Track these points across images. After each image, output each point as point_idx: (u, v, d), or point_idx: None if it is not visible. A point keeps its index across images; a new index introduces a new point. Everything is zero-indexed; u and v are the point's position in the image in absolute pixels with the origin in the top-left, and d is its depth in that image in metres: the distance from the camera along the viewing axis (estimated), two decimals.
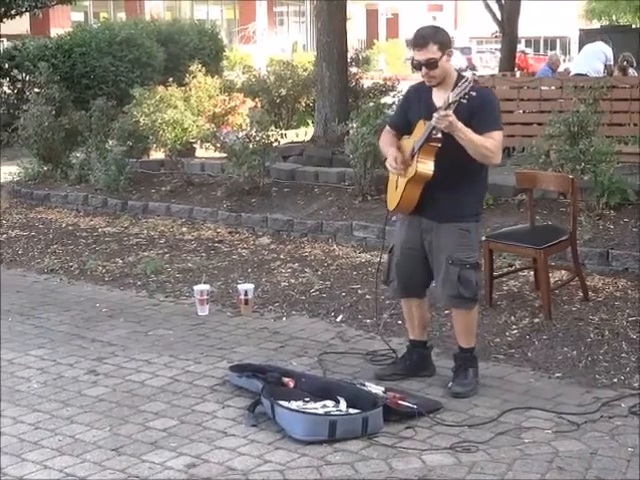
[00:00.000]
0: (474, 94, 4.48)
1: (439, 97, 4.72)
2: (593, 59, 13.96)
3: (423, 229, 4.90)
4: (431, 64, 4.68)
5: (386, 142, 5.05)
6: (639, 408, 4.61)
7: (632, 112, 10.59)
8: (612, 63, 14.13)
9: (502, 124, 4.83)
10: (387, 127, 5.18)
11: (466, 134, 4.56)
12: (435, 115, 4.57)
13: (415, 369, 5.14)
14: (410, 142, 4.83)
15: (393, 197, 4.98)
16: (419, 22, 46.61)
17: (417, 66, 4.75)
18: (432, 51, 4.66)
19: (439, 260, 4.85)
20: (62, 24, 20.29)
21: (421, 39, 4.70)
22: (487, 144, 4.62)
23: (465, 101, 4.47)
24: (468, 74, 4.89)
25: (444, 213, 4.79)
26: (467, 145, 4.59)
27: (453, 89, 4.58)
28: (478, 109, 4.61)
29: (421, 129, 4.71)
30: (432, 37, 4.68)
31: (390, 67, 35.98)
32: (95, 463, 4.15)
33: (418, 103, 4.89)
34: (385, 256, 5.28)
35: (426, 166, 4.69)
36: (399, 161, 4.81)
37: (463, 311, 4.93)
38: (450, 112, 4.50)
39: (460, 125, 4.53)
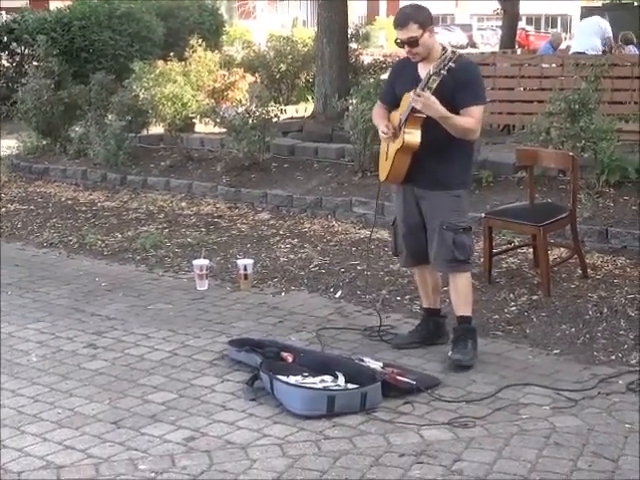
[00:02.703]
0: (453, 65, 4.59)
1: (424, 70, 4.83)
2: (590, 36, 13.84)
3: (417, 197, 5.04)
4: (412, 42, 4.83)
5: (377, 114, 5.22)
6: (637, 385, 4.62)
7: (633, 90, 10.54)
8: (610, 36, 14.01)
9: (485, 96, 5.00)
10: (378, 102, 5.34)
11: (441, 113, 4.69)
12: (411, 94, 4.71)
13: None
14: (397, 114, 4.97)
15: (384, 168, 5.12)
16: None
17: (400, 44, 4.91)
18: (413, 30, 4.80)
19: (433, 226, 4.96)
20: None
21: (401, 18, 4.86)
22: (464, 124, 4.77)
23: (445, 73, 4.59)
24: (449, 49, 4.95)
25: (434, 181, 4.92)
26: (444, 124, 4.73)
27: (437, 60, 4.69)
28: (460, 84, 4.73)
29: (407, 101, 4.83)
30: (412, 16, 4.83)
31: (390, 43, 35.82)
32: (94, 436, 4.16)
33: (405, 77, 5.02)
34: (374, 232, 5.36)
35: (412, 136, 4.83)
36: (390, 128, 4.96)
37: (459, 275, 4.99)
38: (425, 93, 4.64)
39: (435, 106, 4.66)
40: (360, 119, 8.63)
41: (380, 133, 5.05)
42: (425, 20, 4.83)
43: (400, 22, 4.84)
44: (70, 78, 12.06)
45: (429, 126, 4.76)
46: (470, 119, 4.78)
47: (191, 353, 5.19)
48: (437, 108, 4.66)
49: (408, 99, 4.79)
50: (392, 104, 5.09)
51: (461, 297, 5.03)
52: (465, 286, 5.03)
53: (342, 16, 11.13)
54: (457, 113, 4.76)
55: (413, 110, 4.75)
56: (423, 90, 4.66)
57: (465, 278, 5.02)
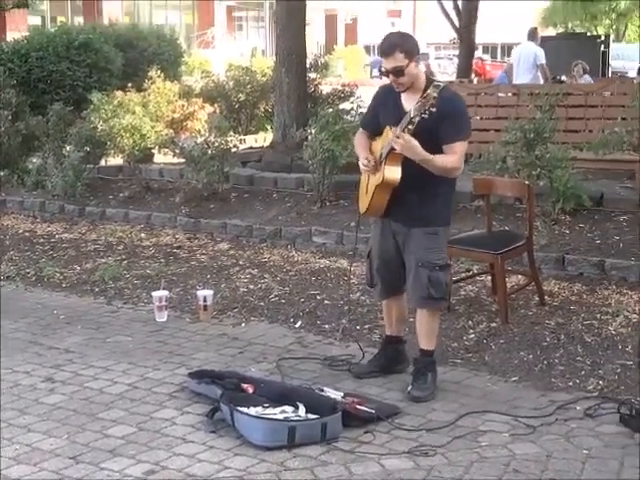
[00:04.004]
0: (434, 110, 4.46)
1: (408, 100, 4.76)
2: (530, 69, 13.93)
3: (394, 231, 4.98)
4: (397, 72, 4.72)
5: (359, 143, 5.12)
6: (594, 411, 4.67)
7: (587, 118, 10.72)
8: (544, 63, 14.11)
9: (469, 131, 4.87)
10: (360, 129, 5.24)
11: (421, 156, 4.60)
12: (390, 135, 4.64)
13: (391, 365, 5.24)
14: (379, 146, 4.89)
15: (364, 201, 5.04)
16: (378, 27, 46.60)
17: (385, 73, 4.80)
18: (398, 59, 4.69)
19: (409, 263, 4.92)
20: (19, 28, 20.13)
21: (388, 47, 4.73)
22: (445, 164, 4.68)
23: (426, 116, 4.47)
24: (438, 80, 4.91)
25: (412, 218, 4.86)
26: (424, 166, 4.65)
27: (422, 94, 4.60)
28: (444, 117, 4.61)
29: (388, 135, 4.74)
30: (399, 45, 4.71)
31: (349, 73, 36.06)
32: (53, 472, 4.12)
33: (388, 106, 4.92)
34: (333, 262, 5.33)
35: (392, 173, 4.74)
36: (370, 161, 4.88)
37: (431, 312, 4.99)
38: (405, 135, 4.54)
39: (414, 150, 4.57)
40: (319, 149, 8.67)
41: (360, 165, 4.96)
42: (412, 49, 4.73)
43: (386, 50, 4.72)
44: (28, 109, 11.98)
45: (410, 163, 4.66)
46: (452, 157, 4.68)
47: (151, 386, 5.17)
48: (417, 152, 4.58)
49: (390, 133, 4.70)
50: (374, 132, 5.01)
51: (427, 331, 5.02)
52: (433, 322, 5.03)
53: (300, 46, 11.19)
54: (440, 147, 4.69)
55: (393, 148, 4.66)
56: (403, 131, 4.57)
57: (434, 314, 5.02)
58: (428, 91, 4.54)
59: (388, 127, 4.78)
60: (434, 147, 4.66)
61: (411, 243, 4.89)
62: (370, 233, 5.31)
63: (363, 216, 5.21)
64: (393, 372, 5.22)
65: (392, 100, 4.89)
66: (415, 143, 4.56)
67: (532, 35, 14.19)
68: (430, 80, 4.82)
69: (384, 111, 4.95)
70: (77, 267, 7.91)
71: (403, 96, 4.83)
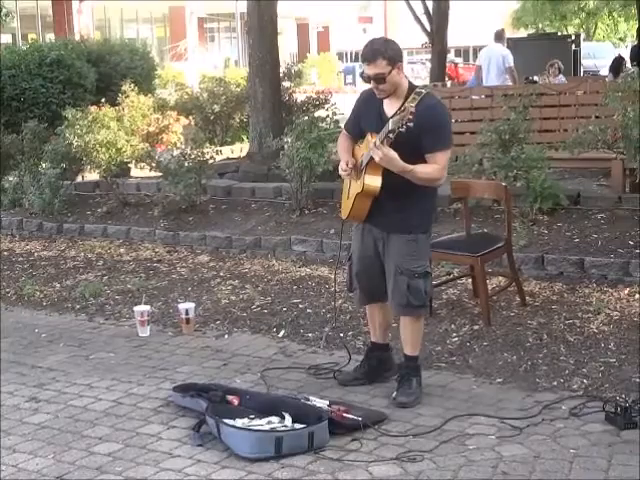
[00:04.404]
0: (411, 125, 4.43)
1: (390, 107, 4.74)
2: (501, 73, 13.91)
3: (375, 237, 4.96)
4: (379, 79, 4.69)
5: (342, 147, 5.09)
6: (579, 410, 4.69)
7: (561, 118, 10.78)
8: (512, 66, 14.12)
9: (451, 140, 4.84)
10: (343, 130, 5.20)
11: (400, 168, 4.58)
12: (370, 145, 4.62)
13: (375, 373, 5.22)
14: (362, 151, 4.87)
15: (345, 206, 5.04)
16: (350, 34, 46.61)
17: (366, 79, 4.77)
18: (381, 66, 4.66)
19: (389, 269, 4.91)
20: None
21: (370, 54, 4.70)
22: (426, 175, 4.65)
23: (403, 130, 4.44)
24: (420, 87, 4.88)
25: (392, 224, 4.85)
26: (405, 176, 4.63)
27: (402, 104, 4.59)
28: (426, 126, 4.59)
29: (369, 143, 4.72)
30: (381, 52, 4.67)
31: (322, 80, 36.09)
32: None
33: (370, 111, 4.88)
34: (314, 270, 5.31)
35: (373, 181, 4.73)
36: (350, 165, 4.86)
37: (411, 318, 4.97)
38: (383, 148, 4.51)
39: (393, 162, 4.54)
40: (296, 157, 8.68)
41: (340, 169, 4.95)
42: (394, 56, 4.69)
43: (368, 57, 4.68)
44: (1, 128, 11.93)
45: (390, 171, 4.63)
46: (433, 166, 4.66)
47: (135, 401, 5.14)
48: (396, 164, 4.55)
49: (371, 141, 4.67)
50: (357, 136, 4.98)
51: (412, 337, 5.01)
52: (416, 328, 5.01)
53: (273, 55, 11.19)
54: (423, 155, 4.67)
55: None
56: (382, 142, 4.54)
57: (417, 321, 5.00)
58: (406, 104, 4.54)
59: (369, 134, 4.77)
60: (416, 155, 4.65)
61: (391, 249, 4.89)
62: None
63: (345, 221, 5.21)
64: (379, 379, 5.21)
65: (374, 105, 4.85)
66: (393, 155, 4.53)
67: (499, 37, 14.21)
68: (412, 87, 4.79)
69: (366, 116, 4.92)
70: (57, 285, 7.87)
71: (385, 102, 4.81)
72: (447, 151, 4.75)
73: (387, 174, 4.68)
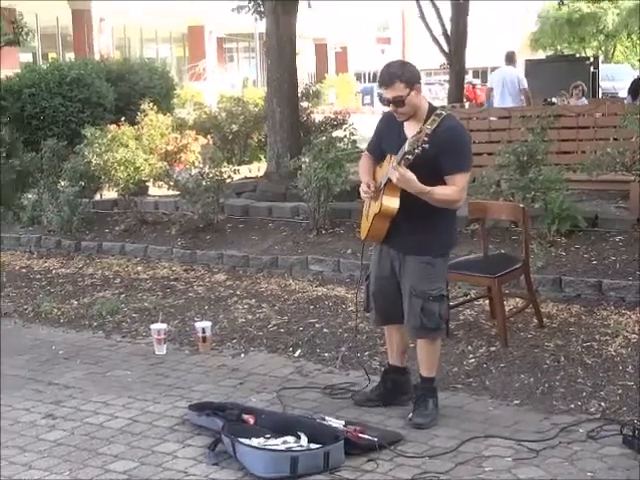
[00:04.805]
0: (427, 147, 4.43)
1: (410, 129, 4.73)
2: (517, 94, 13.91)
3: (392, 258, 4.96)
4: (398, 102, 4.69)
5: (363, 168, 5.10)
6: (597, 433, 4.66)
7: (580, 140, 10.76)
8: (526, 87, 14.14)
9: (471, 162, 4.81)
10: (365, 152, 5.21)
11: (418, 189, 4.57)
12: (388, 167, 4.63)
13: (390, 395, 5.18)
14: (381, 172, 4.88)
15: (364, 227, 5.05)
16: (368, 55, 46.78)
17: (385, 103, 4.78)
18: (399, 89, 4.66)
19: (405, 290, 4.90)
20: (10, 65, 20.19)
21: (387, 77, 4.70)
22: (444, 196, 4.64)
23: (419, 151, 4.44)
24: (442, 108, 4.89)
25: (408, 246, 4.84)
26: (422, 198, 4.63)
27: (424, 122, 4.60)
28: (444, 148, 4.59)
29: (388, 164, 4.73)
30: (398, 75, 4.67)
31: (340, 100, 36.21)
32: None
33: (391, 133, 4.89)
34: (330, 290, 5.30)
35: (391, 202, 4.73)
36: (372, 187, 4.87)
37: (426, 341, 4.96)
38: (400, 169, 4.51)
39: (411, 183, 4.54)
40: (313, 177, 8.69)
41: (360, 190, 4.95)
42: (412, 78, 4.68)
43: (386, 81, 4.69)
44: (21, 146, 12.01)
45: (409, 192, 4.62)
46: (452, 188, 4.65)
47: (151, 419, 5.15)
48: (413, 185, 4.55)
49: (389, 162, 4.69)
50: (379, 157, 4.98)
51: (428, 359, 5.00)
52: (432, 350, 5.00)
53: (292, 75, 11.24)
54: (442, 177, 4.66)
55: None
56: (400, 163, 4.54)
57: (432, 343, 4.98)
58: (424, 125, 4.54)
59: (389, 156, 4.78)
60: (435, 177, 4.64)
61: (406, 271, 4.88)
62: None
63: (364, 241, 5.21)
64: (394, 403, 5.16)
65: (395, 127, 4.85)
66: (411, 176, 4.52)
67: (510, 59, 14.24)
68: (432, 108, 4.79)
69: (387, 138, 4.93)
70: (75, 302, 7.90)
71: (406, 124, 4.81)
72: (466, 173, 4.74)
73: (405, 196, 4.67)
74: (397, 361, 5.24)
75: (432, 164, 4.60)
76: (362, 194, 4.96)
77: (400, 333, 5.15)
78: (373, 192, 4.86)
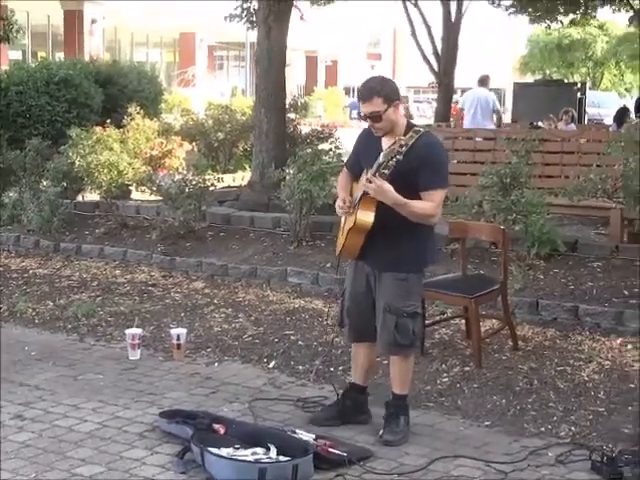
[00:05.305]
0: (400, 158, 4.47)
1: (388, 144, 4.72)
2: (490, 116, 14.07)
3: (367, 274, 4.95)
4: (375, 117, 4.70)
5: (340, 184, 5.11)
6: (566, 457, 4.67)
7: (563, 164, 10.83)
8: (499, 109, 14.33)
9: (447, 179, 4.82)
10: (344, 168, 5.22)
11: (394, 200, 4.57)
12: (363, 180, 4.64)
13: (348, 415, 5.13)
14: (357, 189, 4.89)
15: (340, 241, 5.03)
16: (358, 70, 47.02)
17: (363, 117, 4.79)
18: (377, 104, 4.67)
19: (379, 306, 4.89)
20: None
21: (366, 92, 4.72)
22: (420, 210, 4.65)
23: (393, 163, 4.48)
24: (419, 126, 4.92)
25: (384, 263, 4.84)
26: (399, 210, 4.63)
27: (389, 147, 4.60)
28: (422, 163, 4.61)
29: (363, 178, 4.74)
30: (377, 90, 4.69)
31: (328, 114, 36.31)
32: None
33: (369, 149, 4.88)
34: (308, 302, 5.29)
35: (365, 216, 4.72)
36: (347, 202, 4.87)
37: (399, 357, 4.96)
38: (377, 180, 4.51)
39: (387, 194, 4.53)
40: (297, 189, 8.70)
41: (336, 206, 4.95)
42: (391, 94, 4.70)
43: (364, 95, 4.71)
44: (5, 143, 11.96)
45: (384, 207, 4.63)
46: (428, 204, 4.65)
47: (121, 425, 5.12)
48: (390, 196, 4.54)
49: (365, 176, 4.69)
50: (357, 173, 4.97)
51: (400, 376, 4.99)
52: (405, 367, 4.99)
53: (280, 86, 11.26)
54: (418, 193, 4.66)
55: (366, 192, 4.64)
56: (375, 175, 4.55)
57: (406, 359, 4.97)
58: (400, 137, 4.57)
59: (365, 169, 4.79)
60: (412, 192, 4.64)
61: (381, 287, 4.87)
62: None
63: (339, 257, 5.18)
64: (352, 422, 5.10)
65: (373, 144, 4.85)
66: (387, 187, 4.53)
67: (483, 81, 14.39)
68: (411, 125, 4.81)
69: (365, 154, 4.92)
70: (50, 303, 7.85)
71: (383, 140, 4.81)
72: (443, 190, 4.75)
73: (380, 211, 4.67)
74: (359, 380, 5.20)
75: (409, 179, 4.61)
76: (338, 210, 4.96)
77: (368, 352, 5.13)
78: (348, 207, 4.86)
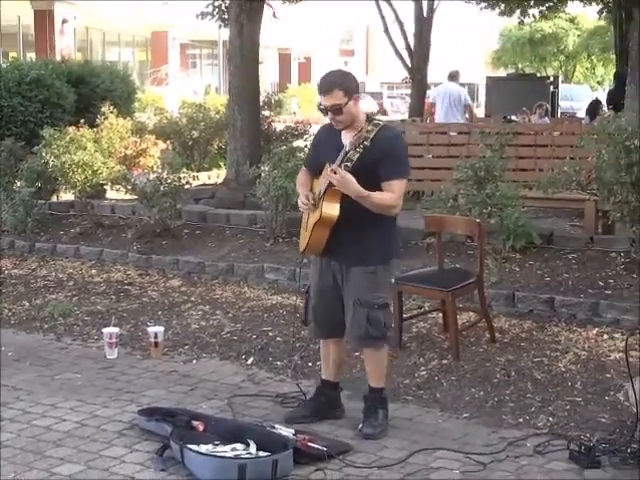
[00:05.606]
0: (368, 144, 4.52)
1: (348, 138, 4.76)
2: (462, 110, 14.10)
3: (334, 270, 4.95)
4: (336, 110, 4.73)
5: (300, 181, 5.13)
6: (544, 447, 4.70)
7: (537, 157, 10.88)
8: (470, 104, 14.37)
9: (408, 170, 4.88)
10: (302, 167, 5.26)
11: (357, 192, 4.61)
12: (327, 171, 4.65)
13: (323, 411, 5.14)
14: (318, 185, 4.90)
15: (303, 238, 5.03)
16: (331, 66, 47.10)
17: (323, 111, 4.82)
18: (337, 97, 4.70)
19: (348, 302, 4.89)
20: None
21: (326, 85, 4.76)
22: (381, 201, 4.69)
23: (361, 150, 4.53)
24: (378, 118, 4.96)
25: (350, 256, 4.84)
26: (361, 202, 4.66)
27: (354, 136, 4.63)
28: (383, 155, 4.66)
29: (326, 170, 4.75)
30: (338, 83, 4.73)
31: (302, 110, 36.23)
32: None
33: (328, 144, 4.92)
34: (299, 298, 5.28)
35: (331, 209, 4.74)
36: (310, 199, 4.89)
37: (372, 350, 4.97)
38: (341, 171, 4.55)
39: (351, 186, 4.57)
40: (272, 186, 8.69)
41: (299, 203, 4.98)
42: (350, 87, 4.73)
43: (324, 88, 4.74)
44: None
45: (348, 199, 4.66)
46: (389, 195, 4.69)
47: (100, 423, 5.10)
48: (352, 187, 4.57)
49: (328, 168, 4.70)
50: (315, 171, 5.00)
51: (375, 369, 5.01)
52: (380, 359, 5.00)
53: (254, 84, 11.26)
54: (379, 185, 4.70)
55: (331, 184, 4.66)
56: (340, 166, 4.58)
57: (381, 352, 4.99)
58: (364, 128, 4.60)
59: (327, 164, 4.79)
60: (373, 185, 4.68)
61: (350, 282, 4.88)
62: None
63: (303, 254, 5.20)
64: (326, 418, 5.11)
65: (333, 138, 4.89)
66: (350, 178, 4.56)
67: (453, 77, 14.40)
68: (370, 118, 4.84)
69: (324, 149, 4.96)
70: (26, 303, 7.81)
71: (343, 134, 4.84)
72: (403, 180, 4.80)
73: (345, 204, 4.70)
74: (331, 376, 5.21)
75: (370, 171, 4.65)
76: (301, 206, 4.96)
77: (337, 348, 5.15)
78: (312, 202, 4.87)
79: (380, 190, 4.71)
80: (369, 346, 4.95)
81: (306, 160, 5.28)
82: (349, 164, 4.59)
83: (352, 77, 4.86)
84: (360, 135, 4.54)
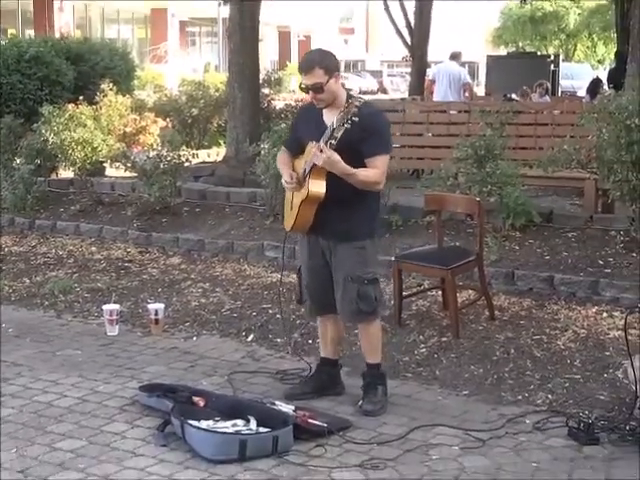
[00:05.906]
0: (356, 119, 4.53)
1: (329, 117, 4.78)
2: (460, 89, 14.08)
3: (322, 247, 4.98)
4: (317, 88, 4.75)
5: (281, 162, 5.12)
6: (543, 424, 4.73)
7: (537, 136, 10.87)
8: (469, 82, 14.35)
9: (391, 146, 4.96)
10: (282, 147, 5.28)
11: (343, 170, 4.63)
12: (313, 150, 4.66)
13: (324, 388, 5.17)
14: (302, 162, 4.91)
15: (289, 217, 5.04)
16: (331, 45, 46.98)
17: (305, 89, 4.84)
18: (318, 75, 4.72)
19: (337, 278, 4.92)
20: None
21: (307, 63, 4.79)
22: (366, 178, 4.71)
23: (349, 126, 4.53)
24: (358, 96, 4.97)
25: (338, 233, 4.87)
26: (346, 179, 4.68)
27: (340, 112, 4.63)
28: (366, 132, 4.67)
29: (311, 151, 4.75)
30: (318, 62, 4.76)
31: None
32: None
33: (309, 123, 4.94)
34: (285, 276, 5.32)
35: (318, 187, 4.75)
36: (294, 178, 4.90)
37: (365, 325, 5.00)
38: (326, 150, 4.56)
39: (336, 165, 4.60)
40: (271, 164, 8.65)
41: (283, 182, 4.98)
42: (331, 66, 4.77)
43: (305, 67, 4.77)
44: None
45: (333, 177, 4.68)
46: (373, 170, 4.72)
47: (101, 399, 5.13)
48: (338, 166, 4.61)
49: (312, 149, 4.72)
50: (296, 150, 5.02)
51: (370, 345, 5.04)
52: (374, 335, 5.03)
53: (253, 62, 11.22)
54: (363, 162, 4.73)
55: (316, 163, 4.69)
56: (326, 144, 4.60)
57: (374, 327, 5.02)
58: (350, 103, 4.60)
59: (311, 142, 4.79)
60: (357, 162, 4.70)
61: (339, 258, 4.90)
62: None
63: (289, 232, 5.21)
64: (327, 395, 5.14)
65: (314, 117, 4.90)
66: (337, 157, 4.58)
67: (455, 56, 14.36)
68: (351, 97, 4.84)
69: (306, 129, 4.97)
70: (27, 280, 7.82)
71: (324, 112, 4.86)
72: (386, 156, 4.84)
73: (330, 181, 4.71)
74: (330, 353, 5.24)
75: (354, 148, 4.67)
76: (285, 185, 4.97)
77: (334, 325, 5.17)
78: (296, 181, 4.88)
79: (363, 166, 4.73)
80: (361, 321, 4.99)
81: (286, 141, 5.29)
82: (334, 141, 4.60)
83: (332, 56, 4.89)
84: (348, 110, 4.54)
